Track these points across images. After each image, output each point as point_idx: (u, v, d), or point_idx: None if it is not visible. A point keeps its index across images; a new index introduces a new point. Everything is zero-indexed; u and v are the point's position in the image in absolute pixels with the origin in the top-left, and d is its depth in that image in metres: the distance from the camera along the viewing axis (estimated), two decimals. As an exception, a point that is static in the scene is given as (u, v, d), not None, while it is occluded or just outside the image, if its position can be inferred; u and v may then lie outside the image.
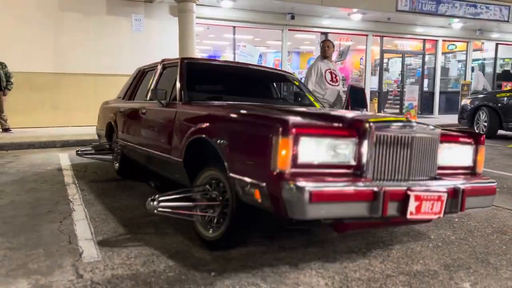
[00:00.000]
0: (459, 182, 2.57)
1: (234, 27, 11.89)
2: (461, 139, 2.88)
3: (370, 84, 14.09)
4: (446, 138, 2.75)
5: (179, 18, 9.81)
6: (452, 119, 12.42)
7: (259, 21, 11.90)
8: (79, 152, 5.49)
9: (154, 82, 4.41)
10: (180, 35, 9.82)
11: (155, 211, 2.81)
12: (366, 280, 2.50)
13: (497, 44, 16.45)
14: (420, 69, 15.39)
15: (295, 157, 2.21)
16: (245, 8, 11.39)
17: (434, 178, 2.60)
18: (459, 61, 16.27)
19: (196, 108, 3.37)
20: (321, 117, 2.73)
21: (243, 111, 2.92)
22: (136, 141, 4.44)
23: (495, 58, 16.69)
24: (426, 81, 15.31)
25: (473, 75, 14.97)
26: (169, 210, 2.87)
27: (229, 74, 4.54)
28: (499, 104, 9.34)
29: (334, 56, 5.51)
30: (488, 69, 17.01)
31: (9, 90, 9.07)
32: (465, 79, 15.58)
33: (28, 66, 9.78)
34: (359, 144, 2.36)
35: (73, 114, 10.26)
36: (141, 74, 5.15)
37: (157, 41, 10.69)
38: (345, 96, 5.09)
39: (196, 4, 9.80)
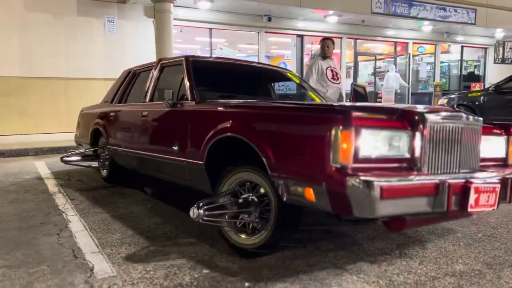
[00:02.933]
0: (507, 173, 2.47)
1: (211, 29, 11.65)
2: (494, 130, 2.79)
3: (346, 86, 14.15)
4: (483, 129, 2.64)
5: (156, 19, 9.48)
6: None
7: (236, 23, 11.73)
8: (64, 159, 5.09)
9: (153, 83, 4.09)
10: (157, 37, 9.49)
11: (200, 220, 2.53)
12: (413, 284, 2.34)
13: (462, 47, 17.01)
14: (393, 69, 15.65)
15: (356, 150, 2.04)
16: (222, 10, 11.17)
17: (478, 170, 2.49)
18: (428, 63, 16.69)
19: (216, 105, 3.11)
20: (371, 109, 2.52)
21: (286, 105, 2.72)
22: (136, 147, 4.08)
23: (461, 60, 17.25)
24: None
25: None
26: (214, 218, 2.61)
27: (233, 72, 4.32)
28: (476, 103, 9.59)
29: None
30: (454, 71, 17.55)
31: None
32: (434, 80, 16.00)
33: (-9, 70, 9.14)
34: (413, 136, 2.21)
35: (44, 120, 9.65)
36: (132, 76, 4.81)
37: (131, 43, 10.28)
38: (349, 97, 4.97)
39: (173, 6, 9.50)
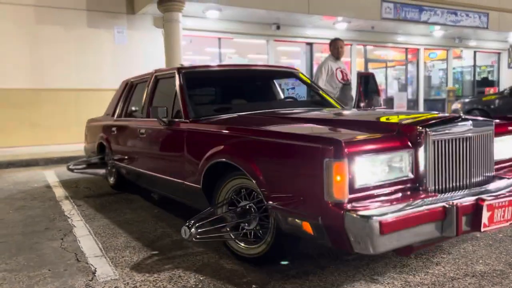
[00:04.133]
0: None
1: (219, 38, 11.64)
2: (509, 128, 2.64)
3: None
4: (497, 128, 2.48)
5: (165, 29, 9.49)
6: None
7: (245, 32, 11.70)
8: (70, 167, 5.05)
9: (148, 97, 3.93)
10: (166, 46, 9.49)
11: (194, 239, 2.37)
12: (431, 285, 2.20)
13: (475, 52, 16.76)
14: (403, 77, 15.48)
15: (352, 181, 1.89)
16: (231, 19, 11.17)
17: (493, 178, 2.34)
18: (440, 69, 16.46)
19: (210, 126, 2.94)
20: (365, 126, 2.34)
21: (275, 128, 2.56)
22: (136, 164, 3.99)
23: (474, 66, 16.98)
24: (409, 89, 15.39)
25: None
26: (209, 235, 2.45)
27: (231, 78, 4.13)
28: (491, 106, 9.44)
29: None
30: (467, 77, 17.28)
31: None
32: (446, 86, 15.77)
33: (3, 82, 9.18)
34: (415, 153, 2.07)
35: (54, 131, 9.67)
36: (130, 88, 4.66)
37: (141, 54, 10.30)
38: (356, 90, 4.85)
39: (182, 15, 9.52)
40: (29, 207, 4.16)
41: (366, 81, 4.87)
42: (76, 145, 7.89)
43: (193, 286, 2.26)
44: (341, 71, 5.16)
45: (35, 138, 9.49)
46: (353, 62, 13.92)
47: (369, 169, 1.97)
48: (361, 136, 2.06)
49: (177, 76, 3.49)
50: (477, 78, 17.19)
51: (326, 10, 11.06)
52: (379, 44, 14.40)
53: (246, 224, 2.50)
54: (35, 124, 9.54)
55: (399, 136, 2.10)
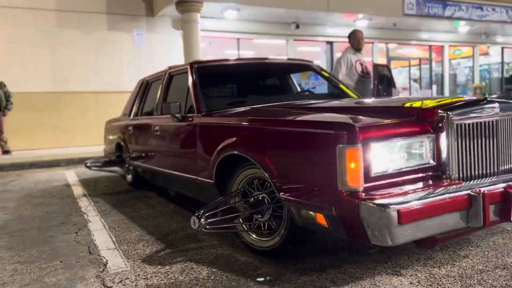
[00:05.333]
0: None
1: (238, 39, 11.61)
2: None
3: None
4: None
5: (184, 30, 9.52)
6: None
7: (264, 32, 11.64)
8: (88, 164, 5.06)
9: (163, 94, 3.89)
10: (185, 47, 9.51)
11: (203, 230, 2.27)
12: (458, 277, 2.05)
13: (502, 48, 16.24)
14: (428, 75, 15.11)
15: (367, 169, 1.78)
16: (249, 19, 11.13)
17: None
18: (465, 67, 16.01)
19: (222, 119, 2.87)
20: (383, 112, 2.22)
21: (286, 117, 2.45)
22: (152, 162, 3.95)
23: (502, 63, 16.45)
24: (434, 88, 15.01)
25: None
26: (219, 226, 2.36)
27: (245, 72, 4.03)
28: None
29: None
30: (495, 74, 16.75)
31: (9, 110, 8.67)
32: (473, 83, 15.33)
33: (25, 85, 9.33)
34: (436, 139, 1.93)
35: (75, 134, 9.80)
36: (146, 86, 4.64)
37: (160, 56, 10.35)
38: (372, 82, 4.70)
39: (200, 16, 9.53)
40: (47, 203, 4.17)
41: (382, 72, 4.72)
42: (96, 147, 7.97)
43: (205, 277, 2.18)
44: (361, 64, 5.00)
45: (56, 140, 9.64)
46: (375, 61, 13.67)
47: (386, 156, 1.85)
48: (376, 121, 1.94)
49: (189, 71, 3.45)
50: (505, 75, 16.64)
51: (346, 7, 10.89)
52: (401, 42, 14.11)
53: (260, 215, 2.40)
54: (57, 127, 9.70)
55: (419, 121, 1.96)
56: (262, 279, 2.13)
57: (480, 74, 16.07)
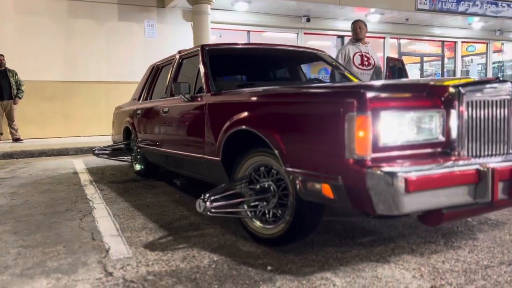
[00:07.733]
0: None
1: (249, 31, 11.55)
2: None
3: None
4: None
5: (194, 21, 9.50)
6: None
7: (274, 25, 11.57)
8: (95, 151, 5.09)
9: (172, 77, 3.93)
10: (195, 38, 9.50)
11: (208, 213, 2.29)
12: (462, 271, 2.02)
13: (517, 45, 15.99)
14: (439, 71, 14.92)
15: (376, 138, 1.76)
16: (260, 11, 11.07)
17: None
18: (478, 63, 15.78)
19: (230, 96, 2.88)
20: (393, 88, 2.20)
21: (296, 90, 2.45)
22: (161, 145, 3.96)
23: (516, 60, 16.21)
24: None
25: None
26: (224, 210, 2.37)
27: (254, 57, 4.05)
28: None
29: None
30: (509, 71, 16.48)
31: (20, 98, 8.75)
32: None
33: (38, 74, 9.43)
34: (447, 115, 1.90)
35: (86, 123, 9.88)
36: (156, 71, 4.67)
37: (170, 47, 10.33)
38: (385, 75, 4.61)
39: (211, 8, 9.50)
40: (54, 190, 4.20)
41: (394, 66, 4.63)
42: (106, 136, 8.03)
43: (206, 266, 2.17)
44: (361, 55, 4.83)
45: (67, 130, 9.72)
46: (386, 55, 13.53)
47: (395, 127, 1.82)
48: (386, 93, 1.92)
49: (200, 53, 3.50)
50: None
51: (358, 1, 10.78)
52: (414, 37, 13.92)
53: (265, 202, 2.39)
54: (67, 116, 9.77)
55: (430, 96, 1.94)
56: (263, 269, 2.12)
57: (493, 71, 15.83)
